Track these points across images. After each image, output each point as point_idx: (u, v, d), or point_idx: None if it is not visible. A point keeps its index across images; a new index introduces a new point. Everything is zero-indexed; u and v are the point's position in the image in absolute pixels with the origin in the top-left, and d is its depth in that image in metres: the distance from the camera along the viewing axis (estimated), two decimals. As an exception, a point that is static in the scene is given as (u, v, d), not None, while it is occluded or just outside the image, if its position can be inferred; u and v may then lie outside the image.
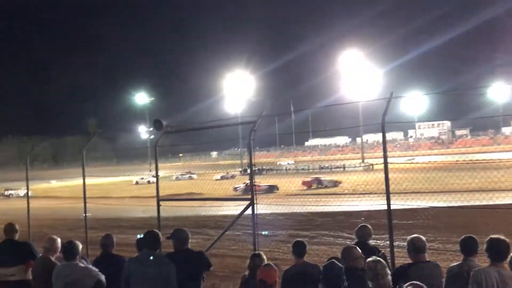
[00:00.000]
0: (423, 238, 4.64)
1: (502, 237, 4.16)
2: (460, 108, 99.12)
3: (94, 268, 5.18)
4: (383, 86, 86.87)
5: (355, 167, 55.45)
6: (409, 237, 4.67)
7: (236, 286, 5.35)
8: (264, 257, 5.04)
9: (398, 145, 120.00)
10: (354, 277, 4.38)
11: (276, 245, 13.03)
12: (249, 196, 6.98)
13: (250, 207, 6.91)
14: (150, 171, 62.57)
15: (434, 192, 17.78)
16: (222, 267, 10.45)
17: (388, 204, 6.01)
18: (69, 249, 5.13)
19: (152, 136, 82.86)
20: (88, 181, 10.14)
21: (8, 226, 6.33)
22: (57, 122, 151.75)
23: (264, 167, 52.51)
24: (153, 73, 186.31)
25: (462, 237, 4.55)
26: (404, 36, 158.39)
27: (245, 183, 33.26)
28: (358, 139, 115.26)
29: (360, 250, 4.86)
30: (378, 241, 8.48)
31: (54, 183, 58.31)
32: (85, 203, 9.86)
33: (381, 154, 6.14)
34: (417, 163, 32.03)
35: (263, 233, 6.94)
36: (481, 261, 4.42)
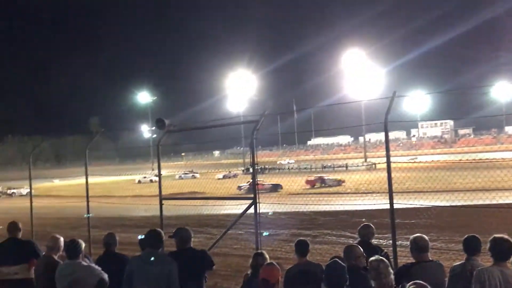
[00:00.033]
0: (426, 237, 4.63)
1: (506, 236, 4.14)
2: (463, 107, 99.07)
3: (97, 266, 5.20)
4: (385, 85, 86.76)
5: (357, 166, 55.40)
6: (412, 236, 4.66)
7: (238, 285, 5.35)
8: (267, 256, 5.04)
9: (401, 144, 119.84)
10: (356, 276, 4.38)
11: (278, 244, 13.03)
12: (252, 195, 6.98)
13: (253, 206, 6.91)
14: (153, 170, 62.63)
15: (437, 192, 17.76)
16: (225, 266, 10.46)
17: (391, 203, 6.00)
18: (72, 248, 5.15)
19: (155, 135, 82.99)
20: (91, 180, 10.18)
21: (12, 225, 6.35)
22: (59, 122, 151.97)
23: (266, 166, 52.50)
24: (155, 72, 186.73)
25: (465, 236, 4.54)
26: (407, 35, 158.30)
27: (249, 182, 33.28)
28: (361, 138, 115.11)
29: (361, 249, 4.86)
30: (381, 240, 8.46)
31: (56, 182, 58.41)
32: (88, 202, 9.89)
33: (384, 153, 6.12)
34: (419, 162, 31.96)
35: (264, 234, 6.92)
36: (484, 260, 4.41)
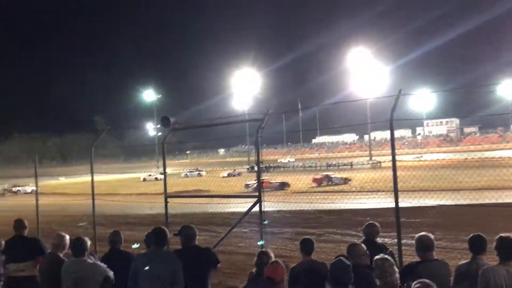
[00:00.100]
0: (431, 236, 4.62)
1: (512, 235, 4.13)
2: (469, 106, 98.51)
3: (102, 264, 5.23)
4: (391, 83, 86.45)
5: (362, 164, 55.31)
6: (417, 235, 4.65)
7: (243, 283, 5.35)
8: (272, 254, 5.03)
9: (406, 143, 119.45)
10: (360, 274, 4.38)
11: (283, 242, 13.03)
12: (257, 194, 6.99)
13: (258, 204, 6.92)
14: (158, 168, 62.84)
15: (442, 190, 17.69)
16: (229, 264, 10.45)
17: (396, 202, 5.99)
18: (77, 246, 5.17)
19: (160, 133, 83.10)
20: (96, 178, 10.20)
21: (18, 222, 6.39)
22: (64, 120, 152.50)
23: (271, 165, 52.48)
24: (160, 70, 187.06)
25: (471, 235, 4.52)
26: (412, 33, 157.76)
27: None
28: (366, 137, 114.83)
29: (365, 247, 4.85)
30: (385, 239, 8.44)
31: (62, 180, 58.63)
32: (93, 199, 9.92)
33: (389, 151, 6.11)
34: (425, 160, 31.86)
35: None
36: (490, 259, 4.39)
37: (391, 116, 6.00)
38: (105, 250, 6.04)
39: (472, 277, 4.16)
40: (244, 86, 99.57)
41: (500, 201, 14.20)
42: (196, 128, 10.81)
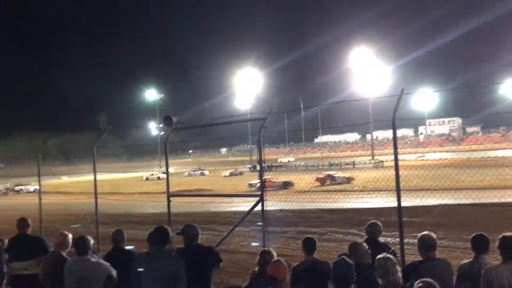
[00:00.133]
0: (434, 235, 4.62)
1: (515, 235, 4.13)
2: (471, 105, 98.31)
3: (105, 262, 5.24)
4: (393, 83, 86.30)
5: (365, 164, 55.30)
6: (419, 234, 4.64)
7: (245, 282, 5.36)
8: (274, 253, 5.04)
9: (409, 142, 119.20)
10: (361, 273, 4.38)
11: (285, 241, 13.04)
12: (259, 193, 7.00)
13: (260, 204, 6.93)
14: (160, 167, 62.90)
15: (444, 190, 17.66)
16: (232, 263, 10.47)
17: (399, 201, 5.98)
18: (81, 244, 5.19)
19: (162, 133, 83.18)
20: (99, 177, 10.23)
21: (21, 221, 6.42)
22: (67, 119, 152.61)
23: (273, 164, 52.48)
24: (162, 70, 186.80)
25: (474, 234, 4.52)
26: (414, 33, 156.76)
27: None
28: (368, 136, 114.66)
29: (366, 246, 4.86)
30: (388, 238, 8.45)
31: (65, 179, 58.72)
32: (96, 198, 9.95)
33: (391, 151, 6.11)
34: (427, 160, 31.85)
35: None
36: (493, 259, 4.39)
37: (394, 116, 6.00)
38: (108, 249, 6.06)
39: (474, 277, 4.16)
40: (246, 86, 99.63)
41: (502, 200, 14.16)
42: (199, 128, 10.84)
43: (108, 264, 5.20)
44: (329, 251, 9.86)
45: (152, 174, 55.96)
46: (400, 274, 4.04)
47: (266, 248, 5.44)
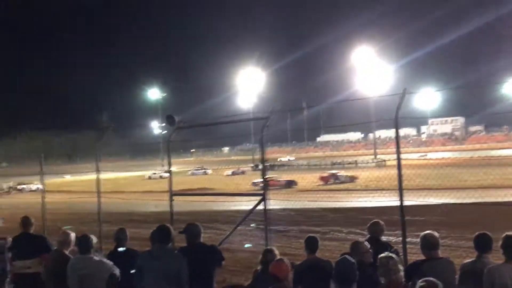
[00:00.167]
0: (436, 234, 4.61)
1: (518, 234, 4.12)
2: (474, 104, 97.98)
3: (108, 261, 5.25)
4: (395, 82, 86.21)
5: (367, 163, 55.21)
6: (422, 233, 4.63)
7: (248, 281, 5.36)
8: (277, 252, 5.04)
9: (411, 141, 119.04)
10: (363, 272, 4.38)
11: (288, 240, 13.03)
12: (261, 192, 7.01)
13: (262, 202, 6.94)
14: (163, 166, 62.94)
15: (447, 189, 17.65)
16: (234, 262, 10.47)
17: (401, 200, 5.98)
18: (83, 243, 5.21)
19: (165, 132, 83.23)
20: (102, 176, 10.25)
21: (24, 220, 6.43)
22: (69, 118, 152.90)
23: (276, 163, 52.56)
24: (165, 69, 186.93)
25: (476, 233, 4.51)
26: (416, 32, 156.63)
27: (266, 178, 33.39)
28: (371, 135, 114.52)
29: (368, 245, 4.86)
30: (390, 238, 8.43)
31: (67, 178, 58.85)
32: (99, 197, 9.97)
33: (393, 150, 6.11)
34: (430, 159, 31.80)
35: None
36: (496, 258, 4.38)
37: (396, 115, 6.00)
38: (111, 248, 6.06)
39: (477, 276, 4.15)
40: (249, 85, 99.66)
41: (505, 199, 14.15)
42: (201, 127, 10.84)
43: (111, 262, 5.21)
44: (331, 250, 9.83)
45: (155, 173, 56.09)
46: (402, 273, 4.04)
47: (268, 247, 5.44)
